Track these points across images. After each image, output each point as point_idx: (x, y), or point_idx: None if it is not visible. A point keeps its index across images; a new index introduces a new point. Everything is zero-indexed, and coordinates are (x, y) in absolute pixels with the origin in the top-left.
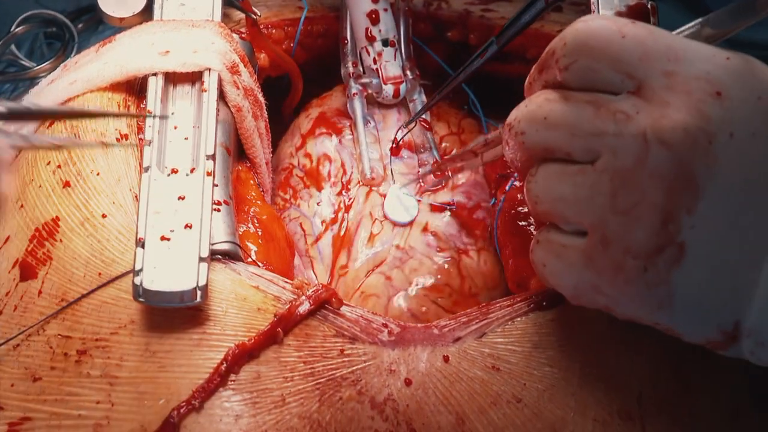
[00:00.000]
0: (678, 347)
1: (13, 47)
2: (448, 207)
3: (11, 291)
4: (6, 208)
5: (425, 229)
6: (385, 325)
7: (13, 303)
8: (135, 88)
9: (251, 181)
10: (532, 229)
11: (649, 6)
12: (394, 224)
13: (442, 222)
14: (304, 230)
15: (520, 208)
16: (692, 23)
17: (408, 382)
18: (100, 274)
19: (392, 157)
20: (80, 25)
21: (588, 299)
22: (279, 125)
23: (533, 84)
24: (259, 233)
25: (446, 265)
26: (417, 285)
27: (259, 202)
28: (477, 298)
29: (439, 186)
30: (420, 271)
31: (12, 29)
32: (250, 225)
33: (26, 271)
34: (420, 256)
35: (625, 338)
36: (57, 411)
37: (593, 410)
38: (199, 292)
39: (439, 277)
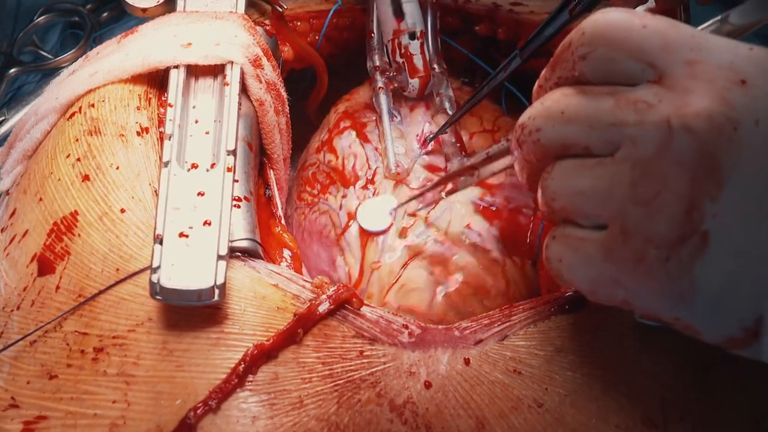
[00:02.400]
0: (700, 354)
1: (34, 37)
2: (489, 206)
3: (29, 286)
4: (25, 201)
5: (468, 227)
6: (406, 326)
7: (30, 298)
8: (157, 80)
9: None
10: None
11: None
12: (369, 234)
13: (485, 223)
14: (333, 222)
15: None
16: (711, 21)
17: (428, 385)
18: (117, 270)
19: (418, 151)
20: (105, 14)
21: (606, 294)
22: (305, 121)
23: (544, 86)
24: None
25: (491, 266)
26: (461, 282)
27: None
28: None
29: (433, 205)
30: (466, 270)
31: (34, 19)
32: None
33: (44, 265)
34: (464, 253)
35: (647, 344)
36: (73, 410)
37: (616, 416)
38: (217, 291)
39: (485, 277)
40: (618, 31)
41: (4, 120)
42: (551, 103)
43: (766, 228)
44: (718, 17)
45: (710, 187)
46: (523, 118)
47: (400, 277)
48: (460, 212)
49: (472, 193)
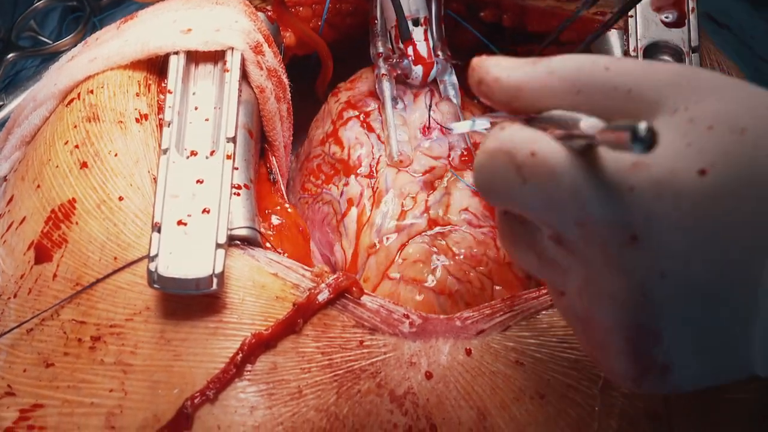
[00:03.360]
0: None
1: (32, 22)
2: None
3: (26, 274)
4: (22, 188)
5: (466, 209)
6: (407, 316)
7: (27, 286)
8: (156, 66)
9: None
10: None
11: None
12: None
13: (479, 204)
14: (335, 210)
15: None
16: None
17: (429, 376)
18: (115, 258)
19: (422, 139)
20: None
21: None
22: (309, 104)
23: None
24: (272, 223)
25: (485, 238)
26: (459, 255)
27: (265, 191)
28: (511, 265)
29: (469, 167)
30: (462, 244)
31: (33, 3)
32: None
33: (41, 253)
34: (461, 230)
35: None
36: (69, 398)
37: (620, 409)
38: (215, 280)
39: (478, 248)
40: (499, 190)
41: (2, 105)
42: (500, 225)
43: (718, 332)
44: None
45: (649, 341)
46: None
47: (400, 254)
48: (459, 196)
49: (469, 178)
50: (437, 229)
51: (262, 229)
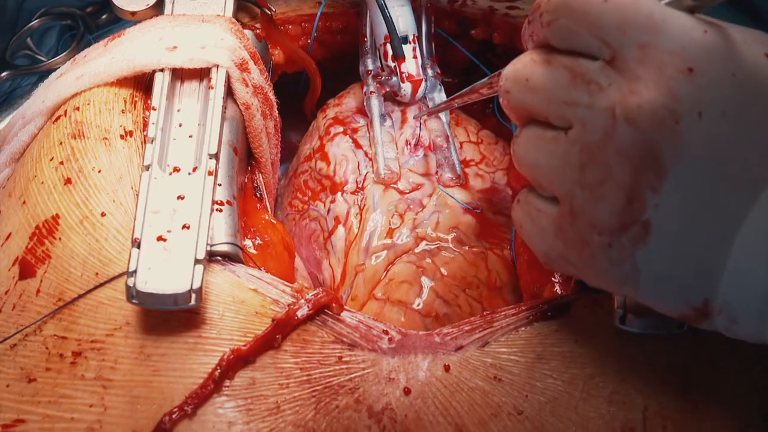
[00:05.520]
0: (683, 364)
1: (28, 40)
2: (473, 209)
3: (10, 289)
4: (9, 204)
5: (456, 227)
6: (386, 332)
7: (11, 302)
8: (143, 83)
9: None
10: None
11: None
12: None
13: (471, 222)
14: (322, 227)
15: None
16: None
17: (407, 391)
18: (97, 274)
19: (409, 156)
20: (104, 17)
21: (558, 266)
22: (302, 121)
23: (525, 33)
24: (256, 242)
25: (475, 259)
26: (447, 274)
27: (251, 209)
28: (502, 291)
29: (456, 184)
30: (451, 265)
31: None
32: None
33: (25, 269)
34: (451, 249)
35: (629, 353)
36: (50, 413)
37: (596, 424)
38: (193, 295)
39: (468, 269)
40: (579, 2)
41: None
42: (520, 67)
43: (707, 218)
44: None
45: (652, 178)
46: (503, 74)
47: (387, 273)
48: (449, 214)
49: (459, 196)
50: (424, 245)
51: (248, 243)
